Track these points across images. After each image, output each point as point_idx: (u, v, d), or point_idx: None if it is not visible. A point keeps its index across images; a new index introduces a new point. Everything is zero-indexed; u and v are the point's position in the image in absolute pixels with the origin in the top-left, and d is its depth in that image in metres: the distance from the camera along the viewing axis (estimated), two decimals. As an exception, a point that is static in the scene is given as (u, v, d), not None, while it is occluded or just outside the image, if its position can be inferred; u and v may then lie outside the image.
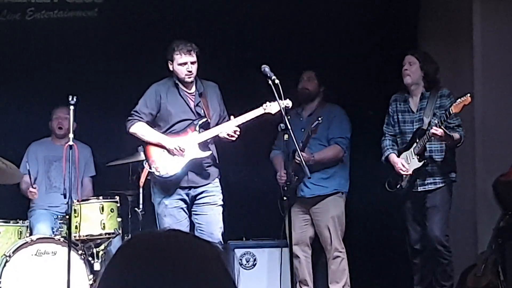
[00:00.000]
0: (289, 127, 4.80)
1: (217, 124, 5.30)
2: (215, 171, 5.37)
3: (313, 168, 5.58)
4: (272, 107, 5.12)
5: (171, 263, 1.19)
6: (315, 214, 5.93)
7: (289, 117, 4.91)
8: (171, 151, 5.19)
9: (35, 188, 5.84)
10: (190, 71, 5.22)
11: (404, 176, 5.51)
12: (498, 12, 6.22)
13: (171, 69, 5.29)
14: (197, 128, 5.25)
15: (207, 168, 5.32)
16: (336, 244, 5.84)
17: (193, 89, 5.33)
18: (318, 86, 5.99)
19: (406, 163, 5.49)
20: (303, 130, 5.72)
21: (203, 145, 5.27)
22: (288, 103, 4.98)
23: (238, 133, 5.19)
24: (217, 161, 5.40)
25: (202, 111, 5.30)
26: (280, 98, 4.88)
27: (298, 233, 5.87)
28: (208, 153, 5.27)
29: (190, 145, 5.22)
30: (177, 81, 5.32)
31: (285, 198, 5.45)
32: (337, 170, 5.92)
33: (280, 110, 4.88)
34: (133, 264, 1.20)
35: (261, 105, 5.18)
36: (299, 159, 5.51)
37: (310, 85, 5.96)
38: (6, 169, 5.23)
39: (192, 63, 5.22)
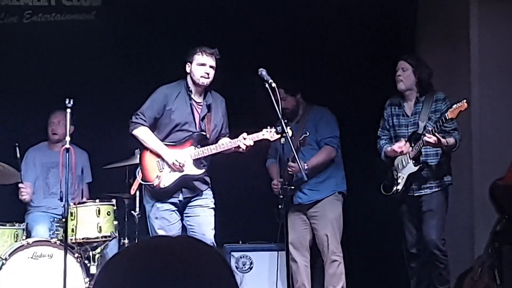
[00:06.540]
0: (286, 130, 4.79)
1: (216, 140, 5.26)
2: (206, 181, 5.34)
3: (309, 175, 5.52)
4: (271, 134, 5.07)
5: (180, 268, 1.18)
6: (312, 218, 5.91)
7: (285, 120, 4.90)
8: (169, 165, 5.18)
9: (24, 185, 5.86)
10: (207, 73, 5.16)
11: (399, 179, 5.51)
12: (495, 16, 6.22)
13: (188, 70, 5.22)
14: (195, 143, 5.22)
15: (197, 181, 5.29)
16: (334, 248, 5.83)
17: (202, 98, 5.28)
18: (294, 99, 5.90)
19: (402, 144, 5.44)
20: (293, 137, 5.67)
21: (198, 162, 5.25)
22: (288, 131, 4.85)
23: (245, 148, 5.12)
24: (207, 172, 5.35)
25: (204, 125, 5.27)
26: (277, 102, 4.84)
27: (298, 237, 5.86)
28: (201, 171, 5.23)
29: (186, 160, 5.20)
30: (188, 85, 5.27)
31: (280, 206, 5.43)
32: (331, 171, 5.91)
33: (277, 113, 4.86)
34: (135, 270, 1.19)
35: (261, 130, 5.12)
36: (293, 167, 5.50)
37: (286, 104, 5.73)
38: (4, 170, 5.23)
39: (211, 66, 5.18)
